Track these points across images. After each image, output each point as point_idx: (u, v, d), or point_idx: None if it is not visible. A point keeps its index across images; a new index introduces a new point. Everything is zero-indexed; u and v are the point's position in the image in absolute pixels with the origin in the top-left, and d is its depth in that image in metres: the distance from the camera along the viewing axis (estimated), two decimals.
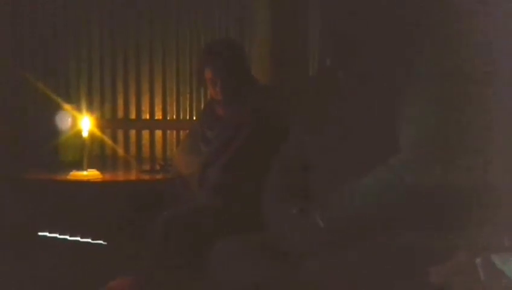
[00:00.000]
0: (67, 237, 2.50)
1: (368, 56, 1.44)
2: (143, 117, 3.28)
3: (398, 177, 1.34)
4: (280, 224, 1.49)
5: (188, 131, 2.70)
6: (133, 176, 2.79)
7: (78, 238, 2.49)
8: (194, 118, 3.21)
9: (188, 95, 3.26)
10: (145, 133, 3.28)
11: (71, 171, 2.45)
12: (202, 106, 3.11)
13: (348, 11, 1.44)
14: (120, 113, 3.27)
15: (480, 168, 1.42)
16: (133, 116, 3.28)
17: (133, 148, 3.27)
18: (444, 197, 1.33)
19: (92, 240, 2.48)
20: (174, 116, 3.27)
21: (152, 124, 3.27)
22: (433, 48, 1.41)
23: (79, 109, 2.96)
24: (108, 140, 3.21)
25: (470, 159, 1.36)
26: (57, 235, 2.50)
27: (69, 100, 3.07)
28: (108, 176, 2.54)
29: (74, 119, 2.80)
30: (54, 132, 2.82)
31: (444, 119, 1.37)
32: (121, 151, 3.24)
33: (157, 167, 2.77)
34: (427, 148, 1.36)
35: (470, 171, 1.37)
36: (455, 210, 1.35)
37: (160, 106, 3.27)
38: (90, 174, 2.44)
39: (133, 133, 3.28)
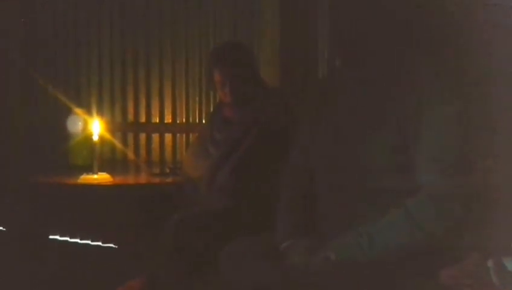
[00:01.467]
0: (77, 240, 2.51)
1: (378, 57, 1.42)
2: (153, 121, 3.29)
3: (414, 223, 1.30)
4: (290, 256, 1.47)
5: (197, 134, 2.71)
6: (143, 179, 2.80)
7: (89, 242, 2.49)
8: (204, 121, 3.21)
9: (197, 98, 3.27)
10: (155, 137, 3.29)
11: (82, 174, 2.46)
12: (211, 109, 3.11)
13: (359, 11, 1.42)
14: (130, 117, 3.29)
15: (490, 171, 1.40)
16: (143, 119, 3.29)
17: (143, 152, 3.29)
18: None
19: (103, 243, 2.49)
20: (184, 120, 3.28)
21: (162, 128, 3.29)
22: (451, 49, 1.38)
23: (89, 113, 2.99)
24: (118, 143, 3.22)
25: (483, 163, 1.34)
26: (67, 238, 2.51)
27: (79, 104, 3.09)
28: (118, 180, 2.54)
29: (84, 123, 2.82)
30: (64, 135, 2.84)
31: (465, 143, 1.31)
32: (131, 154, 3.26)
33: (167, 170, 2.78)
34: (446, 188, 1.29)
35: (481, 174, 1.34)
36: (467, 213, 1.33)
37: (170, 110, 3.28)
38: (101, 177, 2.45)
39: (143, 136, 3.30)
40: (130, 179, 2.78)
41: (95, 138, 2.49)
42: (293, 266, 1.41)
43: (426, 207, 1.30)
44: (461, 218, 1.29)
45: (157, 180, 2.64)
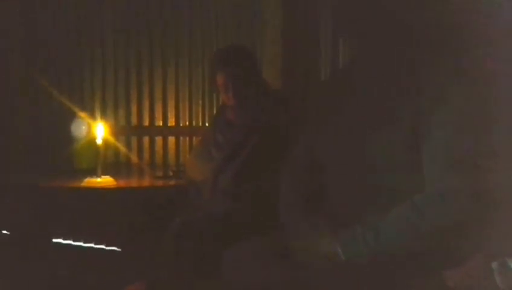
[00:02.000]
0: (81, 243, 2.51)
1: (389, 55, 1.42)
2: (156, 124, 3.29)
3: (420, 216, 1.29)
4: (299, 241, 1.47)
5: (200, 137, 2.71)
6: (146, 182, 2.81)
7: (92, 245, 2.50)
8: (207, 124, 3.21)
9: (200, 102, 3.27)
10: (158, 140, 3.30)
11: (85, 178, 2.47)
12: (215, 111, 3.11)
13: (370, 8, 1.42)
14: (134, 120, 3.30)
15: (495, 171, 1.39)
16: (146, 123, 3.30)
17: (146, 155, 3.29)
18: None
19: (106, 246, 2.49)
20: (187, 123, 3.29)
21: (165, 131, 3.29)
22: (466, 47, 1.38)
23: (93, 116, 3.00)
24: (122, 147, 3.23)
25: (487, 162, 1.33)
26: (71, 241, 2.51)
27: (83, 107, 3.10)
28: (122, 183, 2.55)
29: (88, 127, 2.83)
30: (68, 139, 2.85)
31: (475, 138, 1.30)
32: (134, 158, 3.26)
33: (170, 174, 2.78)
34: (454, 185, 1.27)
35: (486, 173, 1.34)
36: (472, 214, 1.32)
37: (173, 113, 3.28)
38: (104, 181, 2.45)
39: (146, 139, 3.30)
40: (134, 182, 2.78)
41: (99, 141, 2.49)
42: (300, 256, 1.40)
43: (434, 202, 1.29)
44: (469, 214, 1.28)
45: (160, 183, 2.65)
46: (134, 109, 3.29)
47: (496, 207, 1.34)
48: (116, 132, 3.15)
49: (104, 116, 3.16)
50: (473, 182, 1.28)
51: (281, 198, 1.62)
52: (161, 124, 3.29)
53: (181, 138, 3.29)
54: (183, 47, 3.25)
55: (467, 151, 1.30)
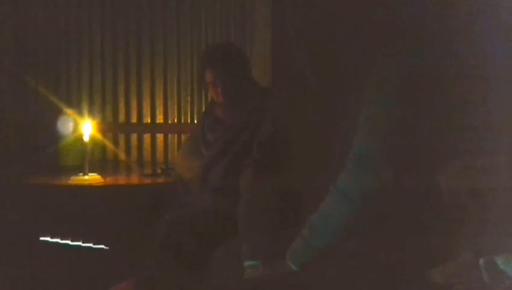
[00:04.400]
0: (68, 241, 2.49)
1: (340, 62, 1.45)
2: (144, 121, 3.28)
3: (344, 195, 1.32)
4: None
5: (189, 134, 2.70)
6: (134, 180, 2.80)
7: (80, 243, 2.48)
8: (195, 121, 3.21)
9: (189, 99, 3.26)
10: (147, 137, 3.28)
11: (72, 175, 2.45)
12: (203, 109, 3.11)
13: (319, 18, 1.45)
14: (121, 117, 3.28)
15: (484, 171, 1.41)
16: (134, 120, 3.28)
17: (134, 152, 3.27)
18: (434, 200, 1.33)
19: (94, 244, 2.47)
20: (175, 120, 3.27)
21: (153, 128, 3.27)
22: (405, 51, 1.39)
23: (80, 113, 2.97)
24: (109, 144, 3.21)
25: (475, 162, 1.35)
26: (58, 240, 2.50)
27: (70, 104, 3.08)
28: (109, 180, 2.54)
29: (75, 124, 2.81)
30: (55, 136, 2.83)
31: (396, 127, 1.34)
32: (122, 155, 3.25)
33: (159, 171, 2.77)
34: (361, 161, 1.32)
35: (475, 173, 1.36)
36: (452, 212, 1.34)
37: (162, 110, 3.27)
38: (92, 178, 2.44)
39: (134, 137, 3.28)
40: (121, 180, 2.77)
41: (86, 138, 2.48)
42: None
43: (350, 175, 1.33)
44: (385, 180, 1.30)
45: (148, 181, 2.64)
46: (121, 105, 3.27)
47: (482, 207, 1.37)
48: (104, 129, 3.13)
49: (91, 113, 3.14)
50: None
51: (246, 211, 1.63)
52: (149, 121, 3.28)
53: (169, 135, 3.28)
54: (172, 43, 3.24)
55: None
